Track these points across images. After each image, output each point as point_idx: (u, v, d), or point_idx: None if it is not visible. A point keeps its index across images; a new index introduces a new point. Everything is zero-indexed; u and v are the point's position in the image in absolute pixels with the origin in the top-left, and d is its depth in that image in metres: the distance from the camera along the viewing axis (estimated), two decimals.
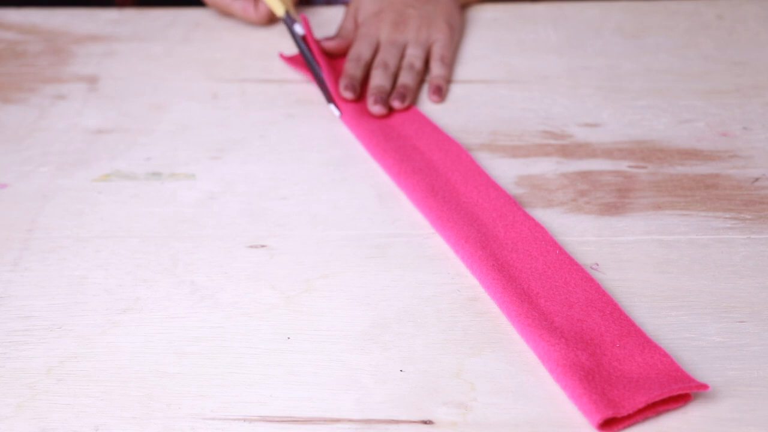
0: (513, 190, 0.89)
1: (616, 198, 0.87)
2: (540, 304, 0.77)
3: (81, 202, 0.89)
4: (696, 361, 0.73)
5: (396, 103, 0.96)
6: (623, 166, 0.91)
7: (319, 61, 1.00)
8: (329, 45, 1.02)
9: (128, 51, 1.09)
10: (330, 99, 0.97)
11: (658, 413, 0.69)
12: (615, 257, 0.82)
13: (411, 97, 0.97)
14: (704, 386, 0.69)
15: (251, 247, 0.84)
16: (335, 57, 1.03)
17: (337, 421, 0.70)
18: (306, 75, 1.02)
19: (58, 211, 0.88)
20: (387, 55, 1.00)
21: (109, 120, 0.99)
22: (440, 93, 0.98)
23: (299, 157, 0.93)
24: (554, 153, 0.93)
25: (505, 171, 0.91)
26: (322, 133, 0.96)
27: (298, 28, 1.02)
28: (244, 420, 0.70)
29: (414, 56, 1.00)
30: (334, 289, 0.80)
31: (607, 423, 0.68)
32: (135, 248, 0.84)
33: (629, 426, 0.69)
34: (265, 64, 1.06)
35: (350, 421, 0.70)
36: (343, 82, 0.97)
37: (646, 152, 0.92)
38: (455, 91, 1.01)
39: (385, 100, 0.96)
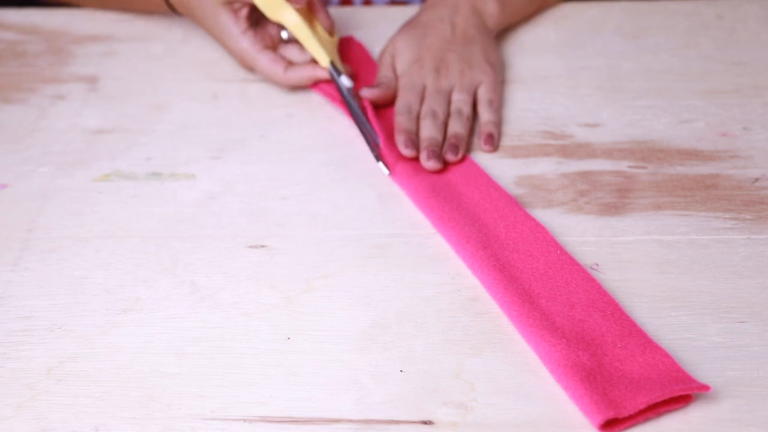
0: (513, 190, 0.89)
1: (616, 198, 0.87)
2: (541, 305, 0.77)
3: (81, 202, 0.89)
4: (696, 362, 0.73)
5: (450, 156, 0.90)
6: (623, 166, 0.91)
7: (369, 118, 0.94)
8: (373, 95, 0.96)
9: (128, 51, 1.09)
10: (378, 157, 0.91)
11: (659, 414, 0.69)
12: (615, 257, 0.82)
13: (464, 147, 0.91)
14: (705, 387, 0.69)
15: (251, 247, 0.84)
16: (378, 108, 0.97)
17: (337, 421, 0.70)
18: (343, 109, 0.97)
19: (58, 211, 0.88)
20: (434, 104, 0.94)
21: (109, 120, 0.99)
22: (492, 141, 0.93)
23: (299, 157, 0.93)
24: (554, 153, 0.93)
25: (505, 171, 0.91)
26: (322, 133, 0.96)
27: (345, 80, 0.96)
28: (244, 420, 0.70)
29: (461, 102, 0.95)
30: (334, 289, 0.80)
31: (608, 423, 0.68)
32: (135, 248, 0.84)
33: (630, 426, 0.69)
34: None
35: (350, 421, 0.70)
36: (401, 139, 0.91)
37: (646, 152, 0.92)
38: None
39: (438, 153, 0.90)
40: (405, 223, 0.86)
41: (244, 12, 0.99)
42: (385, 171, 0.89)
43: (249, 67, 1.01)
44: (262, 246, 0.84)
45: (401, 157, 0.91)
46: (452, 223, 0.84)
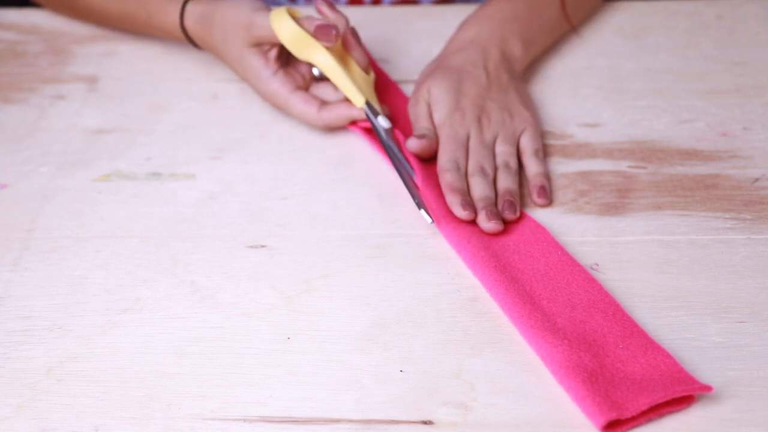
0: None
1: (616, 198, 0.87)
2: (542, 306, 0.77)
3: (81, 202, 0.89)
4: (696, 362, 0.73)
5: (508, 215, 0.84)
6: (623, 166, 0.91)
7: (410, 160, 0.89)
8: (419, 148, 0.89)
9: (128, 51, 1.09)
10: (421, 204, 0.84)
11: (661, 415, 0.69)
12: (615, 257, 0.82)
13: (518, 203, 0.86)
14: (708, 388, 0.69)
15: (251, 247, 0.84)
16: (421, 159, 0.91)
17: (337, 421, 0.70)
18: (380, 151, 0.92)
19: (58, 211, 0.88)
20: (482, 159, 0.89)
21: (109, 120, 0.99)
22: (545, 194, 0.87)
23: (299, 157, 0.93)
24: (554, 153, 0.93)
25: None
26: (322, 133, 0.96)
27: (383, 121, 0.91)
28: (244, 420, 0.70)
29: (507, 154, 0.90)
30: (334, 289, 0.80)
31: (610, 425, 0.68)
32: (135, 248, 0.84)
33: (632, 427, 0.69)
34: None
35: (350, 421, 0.70)
36: (455, 200, 0.84)
37: (646, 152, 0.92)
38: None
39: (497, 213, 0.84)
40: (405, 223, 0.86)
41: (274, 53, 0.94)
42: (428, 219, 0.83)
43: (280, 109, 0.96)
44: (262, 246, 0.84)
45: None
46: (453, 224, 0.84)
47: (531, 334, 0.74)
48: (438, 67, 0.96)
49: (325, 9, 0.94)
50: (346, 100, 0.94)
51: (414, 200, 0.85)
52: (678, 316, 0.76)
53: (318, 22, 0.91)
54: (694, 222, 0.85)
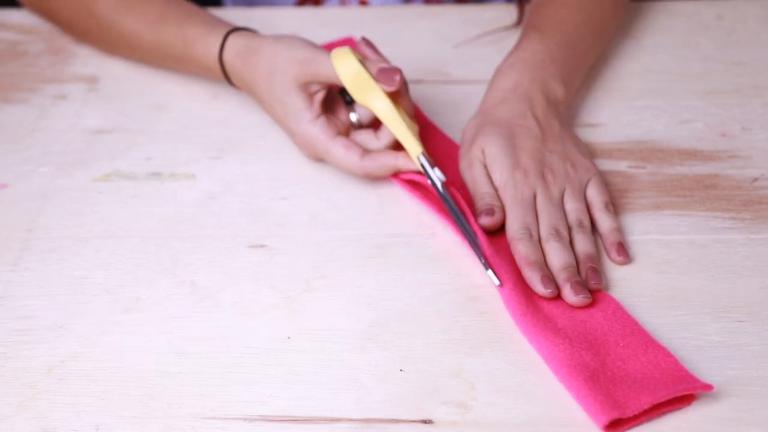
0: None
1: (615, 198, 0.87)
2: (543, 306, 0.77)
3: (81, 202, 0.89)
4: (695, 361, 0.73)
5: (594, 284, 0.78)
6: (623, 166, 0.91)
7: (467, 216, 0.83)
8: (492, 223, 0.83)
9: None
10: (488, 264, 0.79)
11: (662, 413, 0.69)
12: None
13: (601, 268, 0.80)
14: (708, 386, 0.69)
15: (251, 247, 0.84)
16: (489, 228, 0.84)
17: (338, 420, 0.70)
18: (429, 205, 0.86)
19: (58, 211, 0.88)
20: (555, 220, 0.82)
21: (109, 120, 0.99)
22: (625, 251, 0.81)
23: (299, 157, 0.93)
24: None
25: None
26: None
27: (439, 174, 0.84)
28: (245, 419, 0.70)
29: (579, 211, 0.84)
30: (334, 289, 0.80)
31: (612, 424, 0.68)
32: (135, 248, 0.84)
33: (634, 426, 0.69)
34: None
35: (350, 420, 0.70)
36: (535, 276, 0.78)
37: (646, 152, 0.92)
38: (455, 91, 1.01)
39: (584, 284, 0.78)
40: (405, 223, 0.86)
41: (320, 96, 0.89)
42: (496, 282, 0.78)
43: (316, 156, 0.90)
44: (262, 246, 0.84)
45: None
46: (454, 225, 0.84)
47: (532, 333, 0.74)
48: (484, 122, 0.90)
49: (367, 51, 0.89)
50: (391, 148, 0.89)
51: (480, 260, 0.79)
52: (677, 316, 0.77)
53: (382, 65, 0.86)
54: (693, 222, 0.85)
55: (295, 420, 0.70)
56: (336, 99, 0.92)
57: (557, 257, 0.79)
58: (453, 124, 0.96)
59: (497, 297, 0.78)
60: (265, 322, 0.77)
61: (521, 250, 0.80)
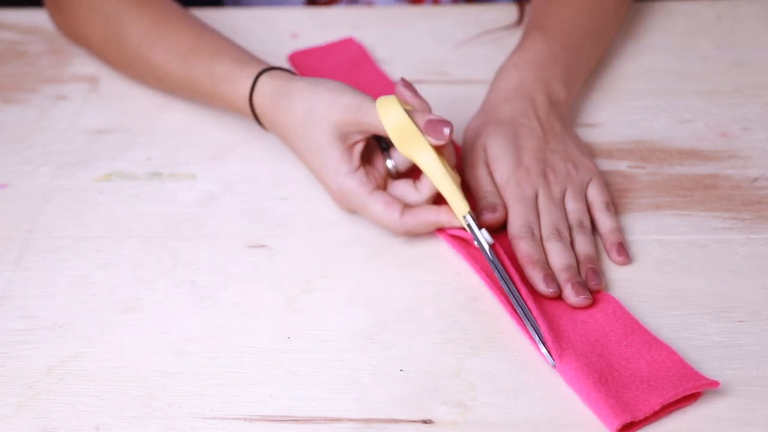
0: None
1: (615, 198, 0.87)
2: (544, 307, 0.77)
3: (81, 202, 0.89)
4: (695, 361, 0.73)
5: (593, 285, 0.78)
6: (622, 166, 0.91)
7: (519, 287, 0.78)
8: (494, 220, 0.83)
9: None
10: (542, 339, 0.73)
11: (669, 413, 0.69)
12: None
13: (600, 269, 0.80)
14: (715, 383, 0.69)
15: (251, 247, 0.84)
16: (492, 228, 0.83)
17: (338, 420, 0.70)
18: (473, 265, 0.81)
19: (59, 211, 0.88)
20: (556, 220, 0.82)
21: (109, 120, 0.99)
22: (625, 252, 0.81)
23: None
24: None
25: None
26: None
27: (486, 236, 0.79)
28: (245, 419, 0.70)
29: (580, 211, 0.84)
30: (334, 289, 0.80)
31: (622, 427, 0.68)
32: (135, 248, 0.84)
33: (642, 427, 0.69)
34: None
35: (350, 420, 0.70)
36: (537, 276, 0.78)
37: (646, 152, 0.92)
38: (455, 91, 1.01)
39: (584, 286, 0.78)
40: None
41: (360, 147, 0.83)
42: (551, 361, 0.72)
43: (352, 209, 0.85)
44: (262, 246, 0.84)
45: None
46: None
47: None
48: (487, 121, 0.89)
49: (407, 95, 0.84)
50: (432, 203, 0.84)
51: (534, 335, 0.74)
52: (677, 316, 0.77)
53: (430, 117, 0.81)
54: (693, 222, 0.85)
55: (295, 420, 0.70)
56: (372, 146, 0.86)
57: (558, 257, 0.80)
58: (453, 123, 0.95)
59: (497, 297, 0.78)
60: (265, 322, 0.78)
61: (524, 248, 0.80)
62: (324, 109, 0.83)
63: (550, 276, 0.78)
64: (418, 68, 1.03)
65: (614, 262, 0.81)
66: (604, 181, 0.87)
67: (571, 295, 0.77)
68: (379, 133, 0.81)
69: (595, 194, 0.85)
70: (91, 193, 0.90)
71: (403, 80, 0.84)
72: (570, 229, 0.83)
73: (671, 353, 0.72)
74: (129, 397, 0.72)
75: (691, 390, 0.69)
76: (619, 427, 0.67)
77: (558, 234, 0.81)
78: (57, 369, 0.74)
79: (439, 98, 0.99)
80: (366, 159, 0.85)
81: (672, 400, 0.69)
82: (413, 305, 0.78)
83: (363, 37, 1.08)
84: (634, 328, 0.75)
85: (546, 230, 0.82)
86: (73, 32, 1.03)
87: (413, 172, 0.86)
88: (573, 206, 0.84)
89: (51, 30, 1.10)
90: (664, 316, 0.76)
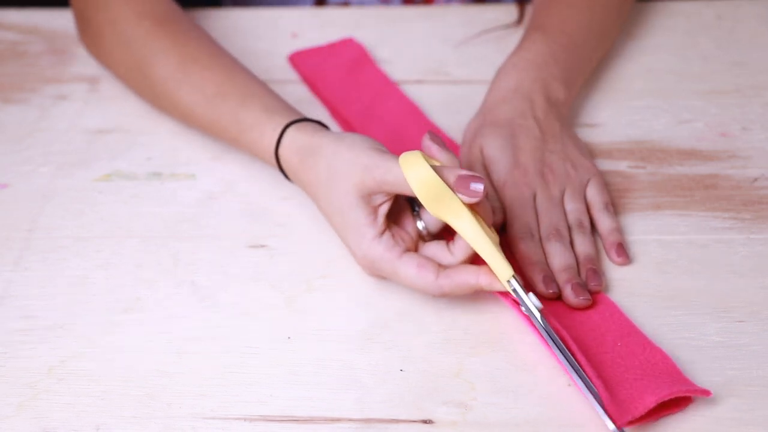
0: None
1: (615, 198, 0.87)
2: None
3: (81, 202, 0.89)
4: (695, 361, 0.73)
5: (594, 286, 0.78)
6: (623, 166, 0.91)
7: (575, 352, 0.73)
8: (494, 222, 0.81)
9: None
10: (602, 405, 0.69)
11: (659, 418, 0.69)
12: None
13: (601, 269, 0.80)
14: (706, 392, 0.69)
15: (251, 247, 0.84)
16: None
17: (338, 420, 0.70)
18: (532, 328, 0.75)
19: (59, 211, 0.88)
20: (555, 220, 0.82)
21: (109, 120, 0.99)
22: (625, 252, 0.81)
23: None
24: None
25: None
26: None
27: (535, 300, 0.74)
28: (245, 419, 0.70)
29: (579, 211, 0.83)
30: (334, 289, 0.80)
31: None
32: (135, 248, 0.84)
33: (633, 426, 0.69)
34: (266, 64, 1.05)
35: (350, 420, 0.70)
36: (538, 276, 0.78)
37: (646, 152, 0.92)
38: (455, 91, 1.01)
39: (584, 287, 0.77)
40: None
41: (385, 209, 0.77)
42: (611, 427, 0.67)
43: (380, 275, 0.79)
44: (262, 246, 0.84)
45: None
46: None
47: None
48: (484, 122, 0.88)
49: (434, 149, 0.77)
50: (470, 262, 0.78)
51: (595, 402, 0.69)
52: (677, 316, 0.77)
53: (461, 173, 0.74)
54: (693, 222, 0.85)
55: (295, 420, 0.70)
56: (402, 206, 0.81)
57: (558, 257, 0.79)
58: (453, 124, 0.96)
59: (497, 297, 0.78)
60: (265, 322, 0.78)
61: (523, 249, 0.80)
62: (345, 168, 0.77)
63: (550, 277, 0.78)
64: (418, 68, 1.03)
65: (614, 262, 0.81)
66: (604, 181, 0.87)
67: (570, 295, 0.77)
68: (405, 192, 0.75)
69: (594, 194, 0.85)
70: (91, 193, 0.90)
71: (430, 133, 0.78)
72: (569, 229, 0.83)
73: (665, 357, 0.72)
74: (129, 397, 0.72)
75: (683, 392, 0.69)
76: (620, 427, 0.67)
77: (557, 234, 0.81)
78: (57, 369, 0.74)
79: (438, 98, 0.99)
80: (394, 220, 0.80)
81: (666, 398, 0.68)
82: (413, 305, 0.78)
83: (363, 37, 1.08)
84: (630, 331, 0.75)
85: (545, 230, 0.81)
86: (98, 55, 1.00)
87: (446, 232, 0.80)
88: (572, 206, 0.84)
89: (51, 30, 1.10)
90: (664, 316, 0.76)
